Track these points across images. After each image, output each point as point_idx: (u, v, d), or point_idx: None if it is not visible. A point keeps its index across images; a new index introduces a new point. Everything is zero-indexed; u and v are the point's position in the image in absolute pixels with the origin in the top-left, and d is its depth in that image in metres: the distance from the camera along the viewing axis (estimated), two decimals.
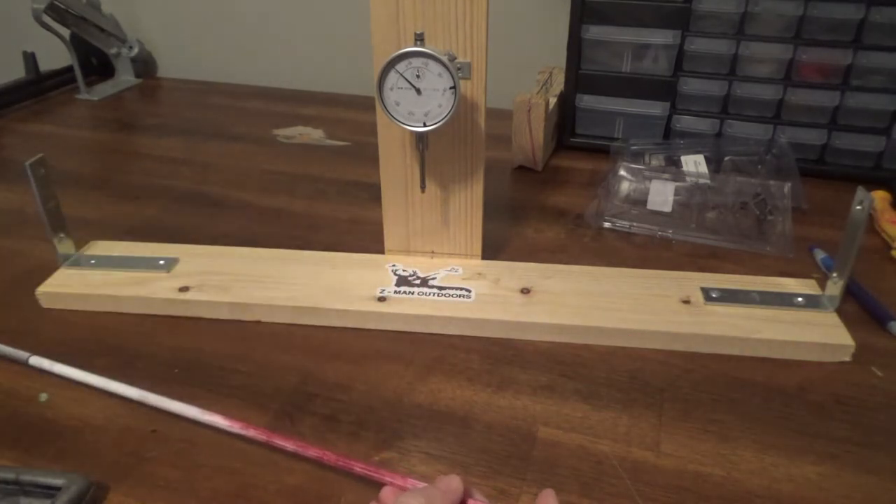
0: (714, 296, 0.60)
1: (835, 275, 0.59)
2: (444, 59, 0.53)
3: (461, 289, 0.62)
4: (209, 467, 0.47)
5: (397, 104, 0.55)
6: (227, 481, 0.45)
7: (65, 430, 0.50)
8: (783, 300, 0.60)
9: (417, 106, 0.55)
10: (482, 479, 0.45)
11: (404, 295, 0.61)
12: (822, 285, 0.61)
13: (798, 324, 0.57)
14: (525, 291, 0.62)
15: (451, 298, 0.61)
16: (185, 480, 0.46)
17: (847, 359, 0.56)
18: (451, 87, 0.54)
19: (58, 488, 0.43)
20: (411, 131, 0.57)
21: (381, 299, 0.61)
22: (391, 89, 0.55)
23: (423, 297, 0.61)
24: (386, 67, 0.54)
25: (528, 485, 0.45)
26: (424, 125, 0.56)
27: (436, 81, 0.54)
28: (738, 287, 0.62)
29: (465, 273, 0.65)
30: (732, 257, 0.70)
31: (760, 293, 0.61)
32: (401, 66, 0.54)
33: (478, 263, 0.66)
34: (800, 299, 0.60)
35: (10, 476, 0.43)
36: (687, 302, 0.60)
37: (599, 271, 0.65)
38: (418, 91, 0.54)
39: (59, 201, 0.64)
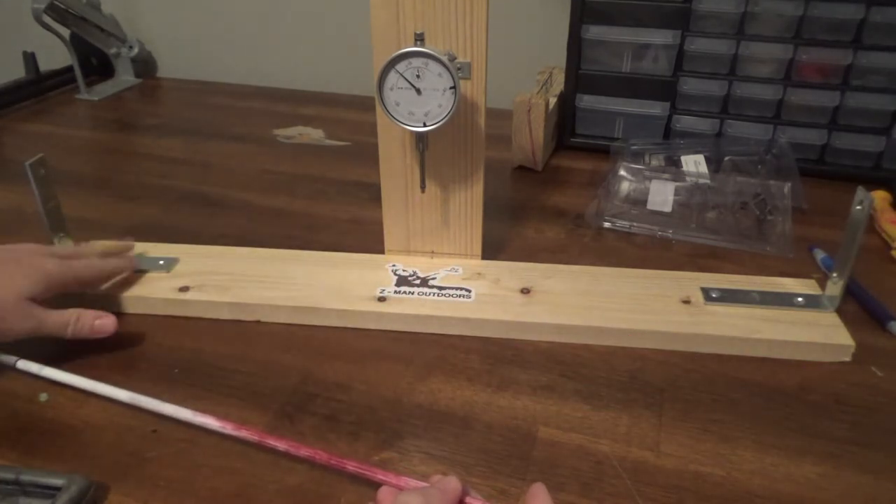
0: (714, 296, 0.60)
1: (835, 275, 0.59)
2: (444, 59, 0.53)
3: (461, 289, 0.62)
4: (209, 467, 0.47)
5: (397, 104, 0.55)
6: (228, 481, 0.45)
7: (65, 430, 0.50)
8: (783, 300, 0.60)
9: (417, 106, 0.55)
10: (482, 479, 0.45)
11: (404, 295, 0.61)
12: (822, 285, 0.61)
13: (798, 324, 0.57)
14: (525, 291, 0.62)
15: (450, 298, 0.61)
16: (185, 480, 0.46)
17: (847, 359, 0.56)
18: (451, 87, 0.54)
19: (58, 488, 0.43)
20: (411, 131, 0.57)
21: (381, 299, 0.61)
22: (391, 89, 0.55)
23: (423, 297, 0.61)
24: (386, 67, 0.54)
25: (529, 485, 0.45)
26: (424, 125, 0.56)
27: (436, 81, 0.54)
28: (738, 287, 0.62)
29: (465, 273, 0.65)
30: (732, 257, 0.70)
31: (760, 293, 0.61)
32: (401, 66, 0.54)
33: (478, 263, 0.66)
34: (800, 299, 0.60)
35: (10, 476, 0.43)
36: (687, 302, 0.60)
37: (599, 271, 0.65)
38: (418, 91, 0.54)
39: (59, 201, 0.64)
